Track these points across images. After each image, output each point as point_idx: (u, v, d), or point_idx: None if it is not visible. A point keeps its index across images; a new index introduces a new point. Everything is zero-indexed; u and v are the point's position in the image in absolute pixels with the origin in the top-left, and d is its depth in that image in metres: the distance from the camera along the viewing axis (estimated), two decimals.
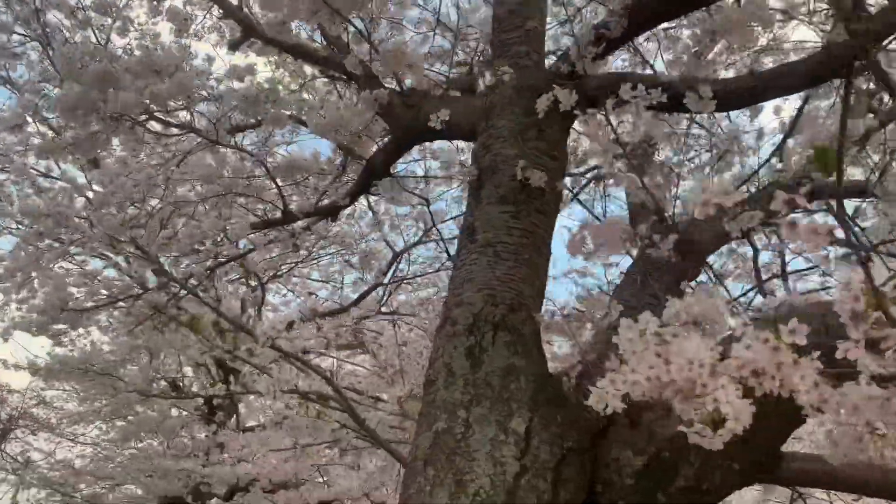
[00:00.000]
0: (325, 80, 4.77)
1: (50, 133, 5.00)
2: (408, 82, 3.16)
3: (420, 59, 3.03)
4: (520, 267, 1.99)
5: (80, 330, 6.26)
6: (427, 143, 4.38)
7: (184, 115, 3.78)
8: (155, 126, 3.86)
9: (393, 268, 7.35)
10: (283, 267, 7.39)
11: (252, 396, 8.74)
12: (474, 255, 2.04)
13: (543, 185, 2.10)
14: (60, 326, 5.12)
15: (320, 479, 6.59)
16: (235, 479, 6.43)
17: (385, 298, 7.83)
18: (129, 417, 7.87)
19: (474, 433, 1.69)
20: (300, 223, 4.78)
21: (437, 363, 1.89)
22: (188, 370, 9.22)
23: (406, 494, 1.70)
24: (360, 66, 3.53)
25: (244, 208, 4.26)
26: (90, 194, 5.36)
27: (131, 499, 9.24)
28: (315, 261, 7.90)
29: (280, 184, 4.03)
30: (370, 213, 7.08)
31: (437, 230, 4.72)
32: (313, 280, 8.74)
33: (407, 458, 1.81)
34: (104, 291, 5.56)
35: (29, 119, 4.84)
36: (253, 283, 6.96)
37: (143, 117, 3.50)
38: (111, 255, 5.56)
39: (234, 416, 7.44)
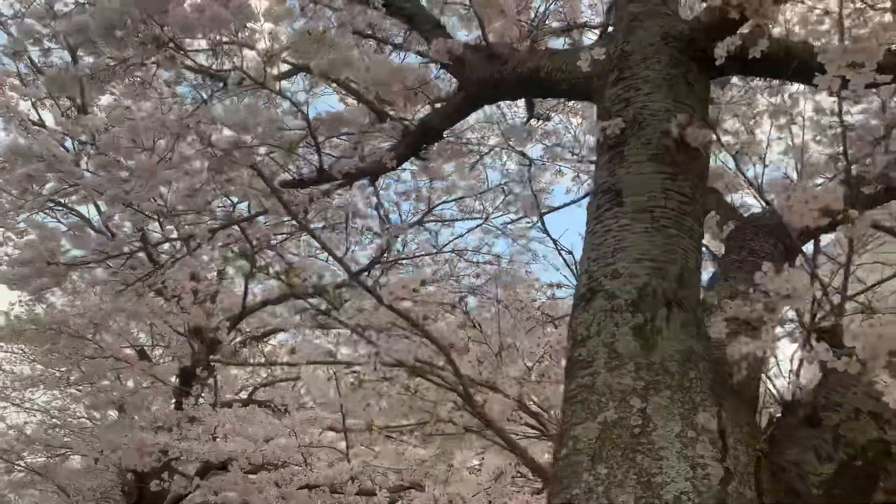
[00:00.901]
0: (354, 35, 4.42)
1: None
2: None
3: (511, 5, 2.72)
4: (682, 237, 1.72)
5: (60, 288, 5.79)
6: None
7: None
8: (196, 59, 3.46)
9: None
10: (277, 237, 6.98)
11: (233, 370, 8.33)
12: (625, 221, 1.76)
13: (700, 146, 1.83)
14: (43, 280, 4.66)
15: (304, 463, 6.24)
16: (211, 457, 6.03)
17: (380, 276, 7.51)
18: (100, 384, 7.38)
19: (656, 427, 1.41)
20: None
21: (590, 342, 1.61)
22: (156, 341, 8.75)
23: (566, 494, 1.42)
24: (425, 15, 3.20)
25: (276, 163, 3.89)
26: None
27: (87, 470, 8.74)
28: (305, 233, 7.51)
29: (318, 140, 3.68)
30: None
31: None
32: (293, 254, 8.35)
33: (560, 451, 1.52)
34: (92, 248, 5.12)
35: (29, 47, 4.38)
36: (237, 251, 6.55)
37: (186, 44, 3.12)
38: (104, 208, 5.12)
39: (213, 390, 7.03)
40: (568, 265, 3.29)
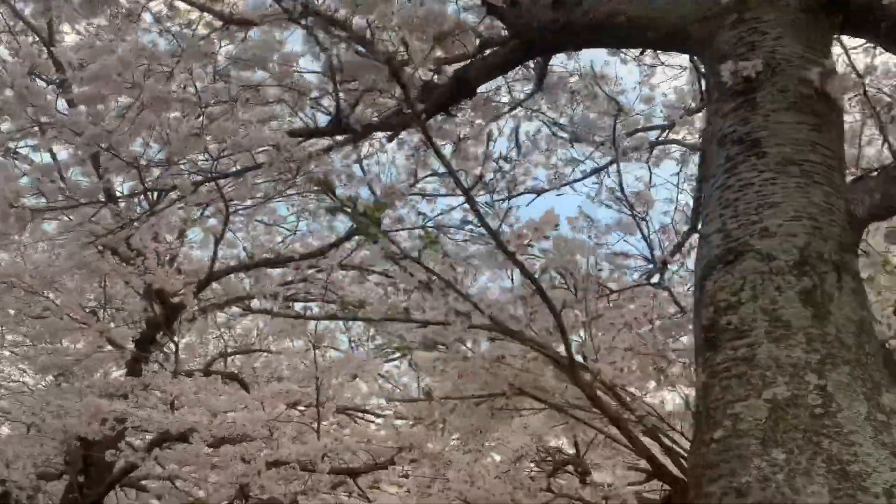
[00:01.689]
0: None
1: None
2: None
3: None
4: (836, 195, 1.52)
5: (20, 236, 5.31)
6: None
7: None
8: None
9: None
10: (248, 201, 6.57)
11: (196, 338, 7.89)
12: (769, 174, 1.55)
13: (840, 96, 1.63)
14: (7, 223, 4.22)
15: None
16: (172, 427, 5.66)
17: (357, 248, 7.20)
18: (47, 346, 6.87)
19: (840, 407, 1.21)
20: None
21: (742, 308, 1.39)
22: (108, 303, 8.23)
23: (730, 481, 1.20)
24: None
25: (289, 107, 3.57)
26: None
27: (24, 437, 8.19)
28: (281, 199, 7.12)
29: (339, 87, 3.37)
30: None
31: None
32: (260, 221, 7.94)
33: (709, 432, 1.30)
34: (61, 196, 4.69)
35: None
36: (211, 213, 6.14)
37: None
38: (77, 152, 4.67)
39: (174, 359, 6.61)
40: (642, 232, 3.05)
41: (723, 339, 1.40)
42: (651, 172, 5.06)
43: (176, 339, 6.44)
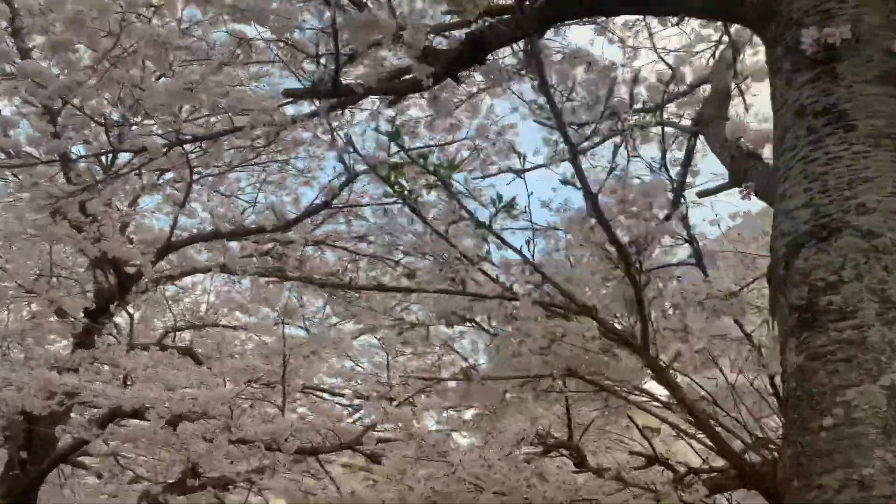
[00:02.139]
0: None
1: None
2: None
3: None
4: None
5: None
6: None
7: None
8: None
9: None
10: (212, 168, 6.29)
11: (150, 311, 7.55)
12: (860, 147, 1.46)
13: None
14: None
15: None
16: (128, 403, 5.37)
17: (322, 222, 6.99)
18: None
19: None
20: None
21: (845, 288, 1.30)
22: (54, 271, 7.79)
23: (848, 472, 1.11)
24: None
25: (286, 66, 3.36)
26: None
27: None
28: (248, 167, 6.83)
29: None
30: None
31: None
32: (218, 192, 7.63)
33: (816, 419, 1.20)
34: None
35: None
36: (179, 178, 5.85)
37: None
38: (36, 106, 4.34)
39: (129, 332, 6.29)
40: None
41: (823, 320, 1.31)
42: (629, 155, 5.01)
43: (130, 310, 6.12)
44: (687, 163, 4.84)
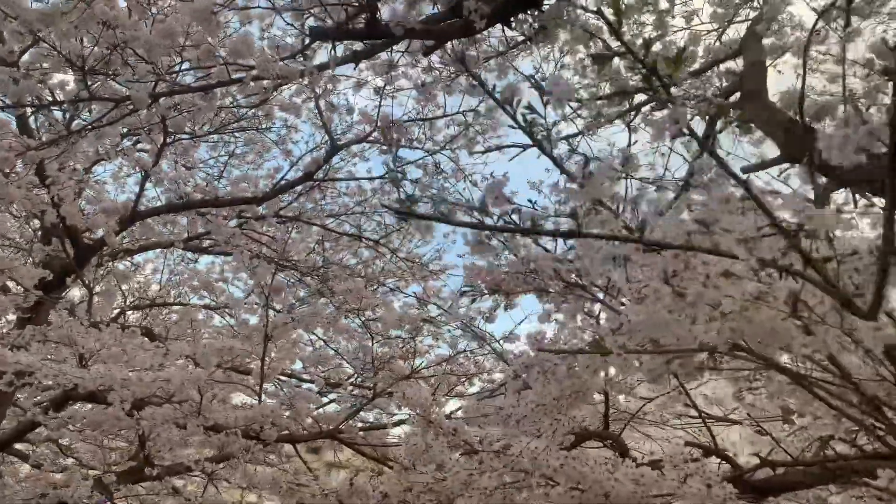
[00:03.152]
0: None
1: None
2: None
3: None
4: None
5: None
6: None
7: None
8: None
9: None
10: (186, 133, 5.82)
11: (115, 283, 7.00)
12: None
13: None
14: None
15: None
16: (89, 384, 4.89)
17: (298, 197, 6.57)
18: None
19: None
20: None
21: None
22: None
23: None
24: None
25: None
26: None
27: None
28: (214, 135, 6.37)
29: None
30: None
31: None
32: (178, 161, 7.12)
33: None
34: None
35: None
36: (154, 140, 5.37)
37: None
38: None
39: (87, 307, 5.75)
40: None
41: None
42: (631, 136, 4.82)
43: (89, 283, 5.61)
44: (709, 139, 4.63)
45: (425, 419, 3.22)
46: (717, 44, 5.03)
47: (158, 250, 7.83)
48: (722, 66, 4.51)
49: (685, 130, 1.26)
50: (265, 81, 3.38)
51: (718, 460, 2.76)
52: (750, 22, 4.21)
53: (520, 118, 1.34)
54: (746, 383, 2.35)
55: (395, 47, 3.33)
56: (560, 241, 2.12)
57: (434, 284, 6.96)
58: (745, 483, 2.49)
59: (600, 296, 2.04)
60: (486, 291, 2.28)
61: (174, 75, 3.94)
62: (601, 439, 3.11)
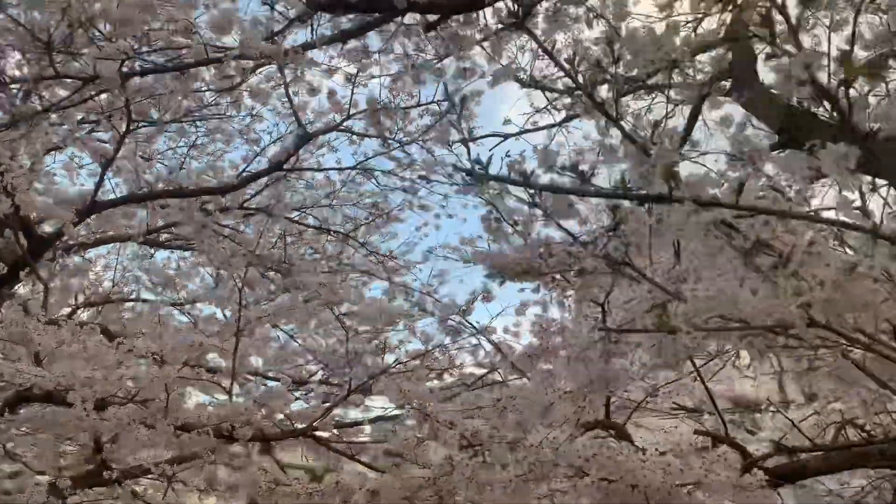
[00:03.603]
0: None
1: None
2: None
3: None
4: None
5: None
6: None
7: None
8: None
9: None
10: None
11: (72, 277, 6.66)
12: None
13: None
14: None
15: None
16: (47, 385, 4.61)
17: (262, 190, 6.36)
18: None
19: None
20: None
21: None
22: None
23: None
24: None
25: None
26: None
27: None
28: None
29: None
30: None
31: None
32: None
33: None
34: None
35: None
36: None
37: None
38: None
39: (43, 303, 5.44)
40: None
41: None
42: None
43: (44, 277, 5.31)
44: (690, 127, 4.63)
45: (421, 413, 3.11)
46: (695, 35, 5.03)
47: (111, 246, 7.51)
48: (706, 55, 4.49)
49: None
50: (244, 62, 3.22)
51: (729, 449, 2.70)
52: (734, 9, 4.21)
53: (581, 80, 1.24)
54: (806, 363, 2.30)
55: (394, 20, 3.19)
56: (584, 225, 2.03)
57: (404, 279, 6.84)
58: (760, 471, 2.43)
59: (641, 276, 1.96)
60: (502, 275, 2.18)
61: (145, 54, 3.73)
62: (604, 429, 3.03)
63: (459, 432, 3.02)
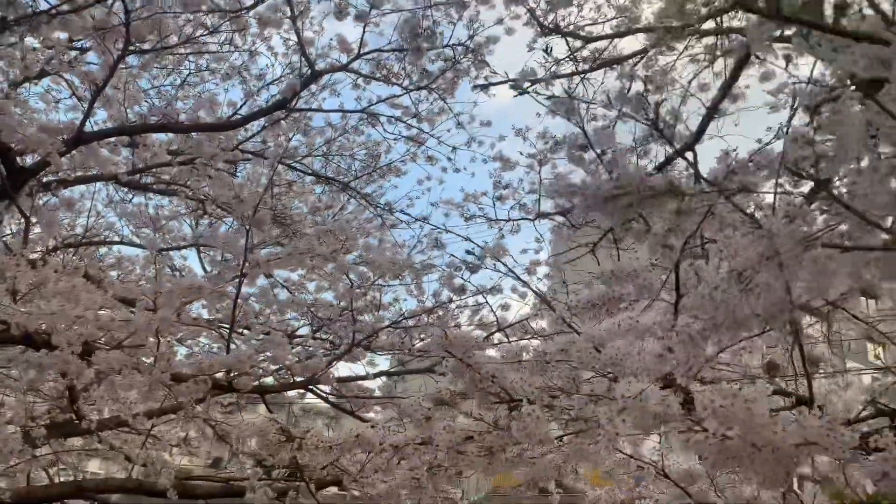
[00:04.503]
0: None
1: None
2: None
3: None
4: None
5: None
6: None
7: None
8: None
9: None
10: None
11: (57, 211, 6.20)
12: None
13: None
14: None
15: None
16: (28, 325, 4.25)
17: (260, 130, 5.99)
18: None
19: None
20: None
21: None
22: None
23: None
24: None
25: None
26: None
27: None
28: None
29: None
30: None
31: None
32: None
33: None
34: None
35: None
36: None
37: None
38: None
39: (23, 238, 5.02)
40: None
41: None
42: None
43: (26, 211, 4.91)
44: (731, 82, 4.38)
45: (464, 363, 2.85)
46: None
47: (84, 186, 7.06)
48: None
49: None
50: None
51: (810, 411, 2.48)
52: None
53: None
54: None
55: None
56: None
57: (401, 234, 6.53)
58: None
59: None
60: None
61: None
62: (666, 387, 2.79)
63: (500, 386, 2.78)
